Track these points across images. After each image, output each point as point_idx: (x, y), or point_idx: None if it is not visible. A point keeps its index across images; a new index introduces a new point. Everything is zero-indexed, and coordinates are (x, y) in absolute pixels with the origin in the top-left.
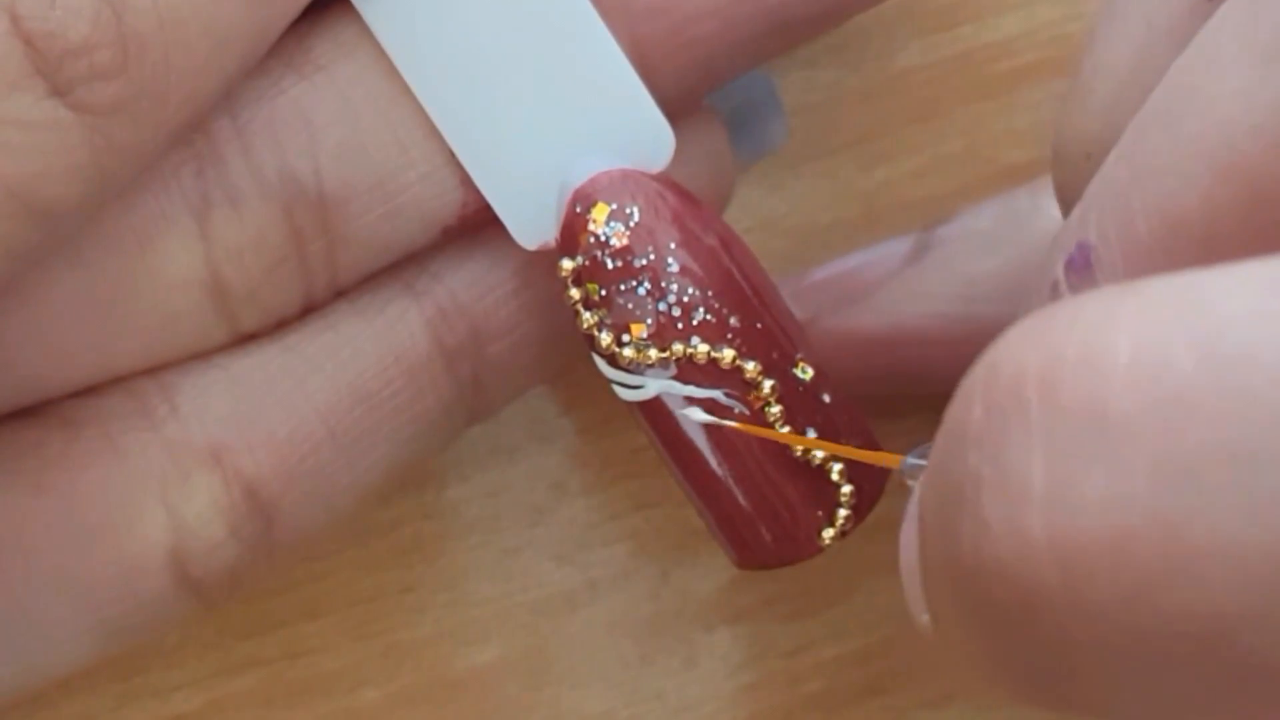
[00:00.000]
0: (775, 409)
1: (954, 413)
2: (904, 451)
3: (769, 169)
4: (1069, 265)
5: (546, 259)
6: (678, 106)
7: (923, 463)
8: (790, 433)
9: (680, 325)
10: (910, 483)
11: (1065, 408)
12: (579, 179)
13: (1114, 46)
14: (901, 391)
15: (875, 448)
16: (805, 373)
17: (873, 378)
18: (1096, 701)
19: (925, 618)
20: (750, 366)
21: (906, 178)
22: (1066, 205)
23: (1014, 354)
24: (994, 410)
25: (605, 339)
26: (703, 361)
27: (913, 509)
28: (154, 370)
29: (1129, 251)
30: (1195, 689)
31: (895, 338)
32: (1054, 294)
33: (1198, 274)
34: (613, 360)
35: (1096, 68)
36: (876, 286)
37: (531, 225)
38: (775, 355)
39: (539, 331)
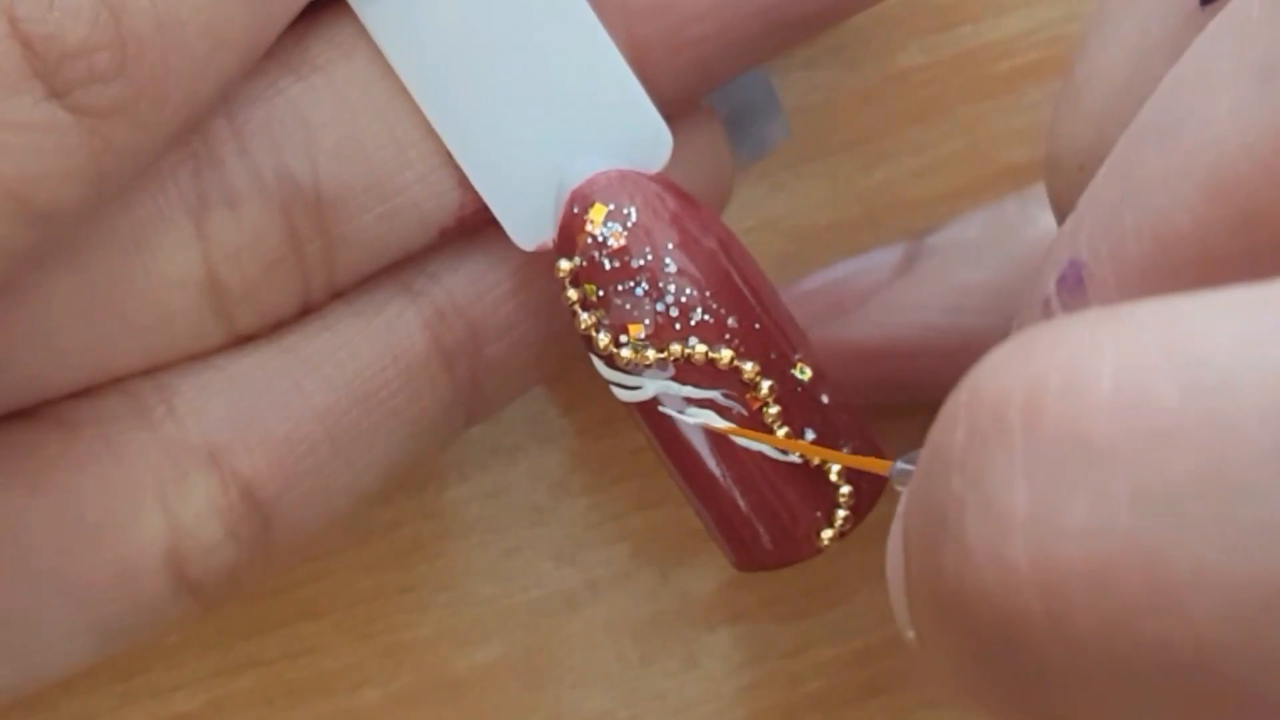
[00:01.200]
0: (773, 409)
1: (937, 434)
2: (895, 456)
3: (769, 169)
4: (1061, 282)
5: (545, 260)
6: (676, 107)
7: (911, 468)
8: (788, 435)
9: (678, 326)
10: (899, 488)
11: (1048, 434)
12: (576, 179)
13: (1107, 53)
14: (893, 401)
15: (875, 449)
16: (803, 373)
17: (865, 388)
18: None
19: (910, 633)
20: (748, 367)
21: (906, 178)
22: (1061, 215)
23: (997, 377)
24: (977, 434)
25: (603, 340)
26: (700, 362)
27: (898, 521)
28: (151, 371)
29: (1121, 271)
30: (1177, 718)
31: (886, 349)
32: (1046, 310)
33: (1182, 300)
34: (610, 361)
35: (1089, 75)
36: (866, 297)
37: (529, 226)
38: (773, 356)
39: (537, 332)
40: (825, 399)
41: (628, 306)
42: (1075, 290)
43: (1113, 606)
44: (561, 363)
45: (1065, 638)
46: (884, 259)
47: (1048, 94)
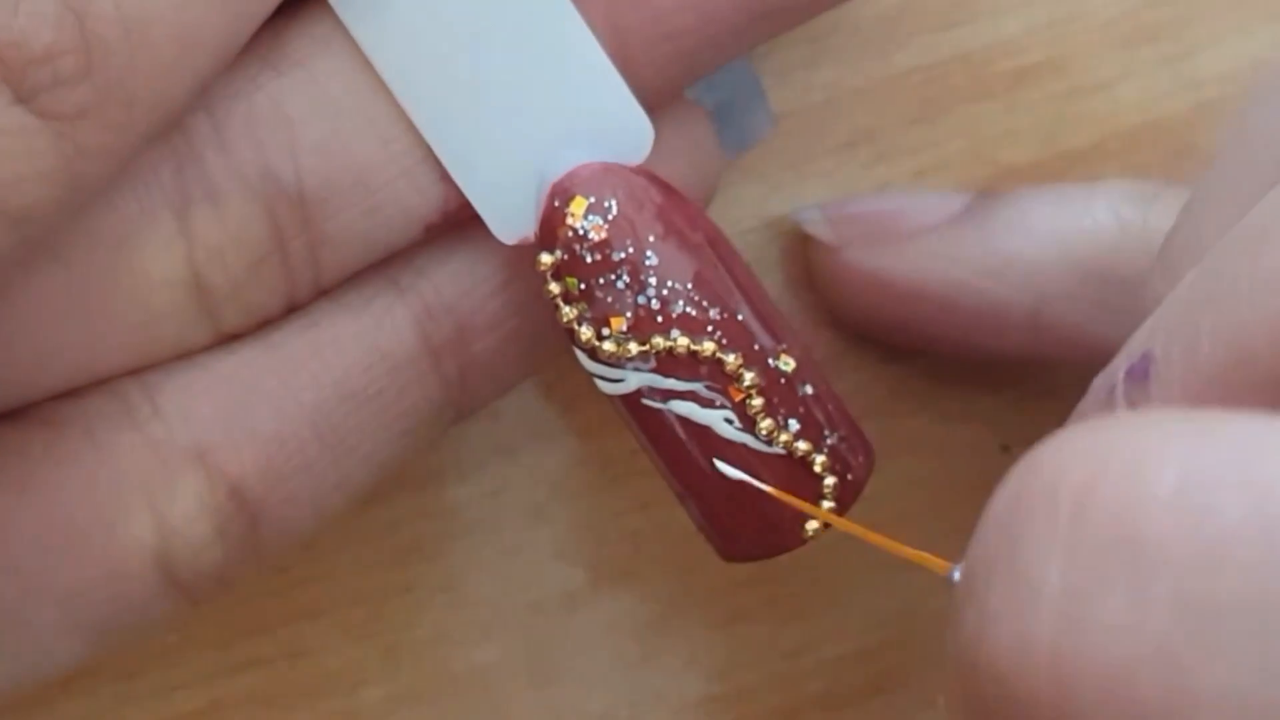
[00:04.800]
0: (756, 401)
1: (993, 500)
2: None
3: (769, 169)
4: (1129, 373)
5: (532, 255)
6: (659, 98)
7: None
8: (771, 426)
9: (660, 318)
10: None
11: (1096, 520)
12: (558, 173)
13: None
14: (905, 344)
15: (860, 438)
16: (787, 365)
17: (885, 323)
18: None
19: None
20: (731, 359)
21: (906, 178)
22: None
23: (1058, 452)
24: (1023, 501)
25: (585, 333)
26: (683, 354)
27: None
28: (137, 371)
29: (1188, 372)
30: None
31: (917, 293)
32: (1110, 399)
33: (1261, 420)
34: (593, 354)
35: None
36: (912, 235)
37: (510, 220)
38: (756, 348)
39: (525, 328)
40: (809, 390)
41: (609, 299)
42: (1140, 383)
43: (1127, 711)
44: (550, 358)
45: None
46: (941, 203)
47: (1048, 94)
